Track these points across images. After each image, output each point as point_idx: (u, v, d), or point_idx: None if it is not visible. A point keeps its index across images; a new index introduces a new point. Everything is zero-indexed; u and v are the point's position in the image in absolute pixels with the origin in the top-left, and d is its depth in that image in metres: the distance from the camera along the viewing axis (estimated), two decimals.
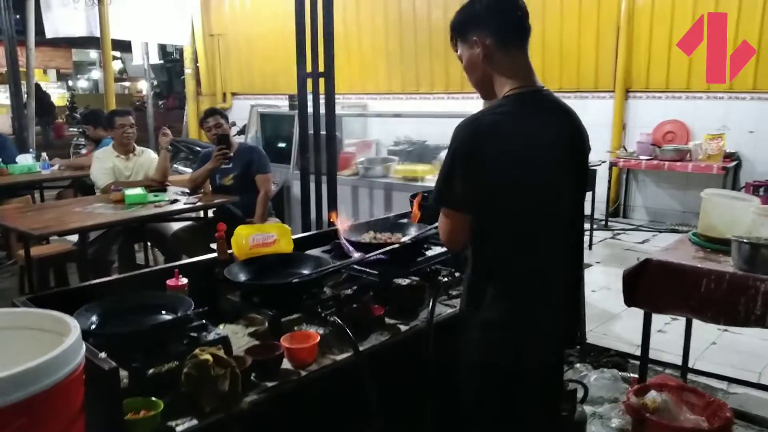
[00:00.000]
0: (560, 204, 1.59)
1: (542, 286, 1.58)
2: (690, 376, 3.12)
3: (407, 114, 6.98)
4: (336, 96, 3.98)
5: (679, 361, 3.13)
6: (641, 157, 6.11)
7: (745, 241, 2.11)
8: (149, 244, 4.84)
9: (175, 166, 7.97)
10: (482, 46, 1.54)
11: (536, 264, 1.56)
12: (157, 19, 8.53)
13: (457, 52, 1.64)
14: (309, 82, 3.92)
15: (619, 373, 3.17)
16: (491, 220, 1.53)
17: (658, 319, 2.56)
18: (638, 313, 2.51)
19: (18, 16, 8.04)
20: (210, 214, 4.30)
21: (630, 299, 2.37)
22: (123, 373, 1.44)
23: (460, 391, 1.64)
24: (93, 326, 1.57)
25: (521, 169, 1.49)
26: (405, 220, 2.58)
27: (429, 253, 2.14)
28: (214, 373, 1.42)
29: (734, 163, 5.92)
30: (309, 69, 3.85)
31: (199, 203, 4.07)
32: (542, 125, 1.54)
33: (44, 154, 5.90)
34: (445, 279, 2.05)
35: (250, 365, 1.56)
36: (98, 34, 7.69)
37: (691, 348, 3.01)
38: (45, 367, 1.07)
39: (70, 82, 27.01)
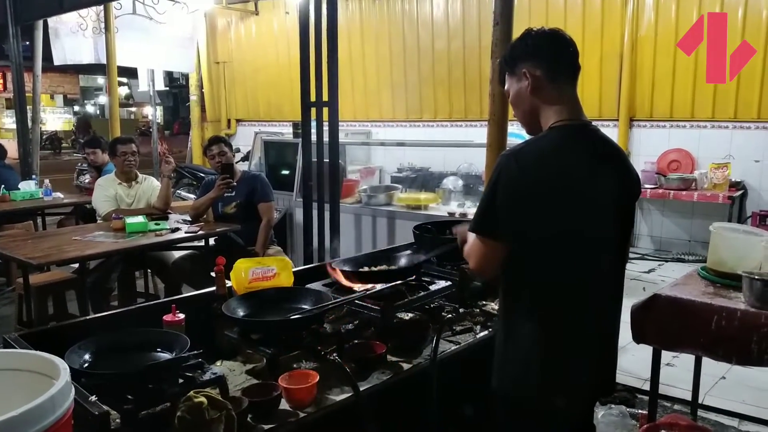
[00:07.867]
0: (601, 246, 1.54)
1: (578, 329, 1.54)
2: (700, 413, 3.04)
3: (411, 143, 6.99)
4: (340, 123, 3.97)
5: (687, 396, 3.05)
6: (646, 186, 6.06)
7: (756, 277, 2.05)
8: (149, 271, 4.80)
9: (178, 192, 7.96)
10: (531, 78, 1.53)
11: (574, 304, 1.52)
12: (163, 46, 8.59)
13: (504, 86, 1.64)
14: (313, 110, 3.92)
15: (627, 410, 3.09)
16: (530, 252, 1.48)
17: (667, 353, 2.50)
18: (645, 345, 2.44)
19: (27, 43, 8.10)
20: (211, 242, 4.26)
21: (639, 336, 2.31)
22: (114, 413, 1.39)
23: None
24: (86, 365, 1.53)
25: (562, 202, 1.46)
26: (407, 251, 2.54)
27: (433, 287, 2.10)
28: (209, 417, 1.37)
29: (740, 192, 5.87)
30: (313, 98, 3.85)
31: (200, 232, 4.03)
32: (587, 161, 1.52)
33: (47, 181, 5.90)
34: (449, 315, 2.01)
35: (247, 407, 1.51)
36: (105, 61, 7.76)
37: (701, 383, 2.94)
38: (31, 414, 1.02)
39: (77, 107, 27.29)
